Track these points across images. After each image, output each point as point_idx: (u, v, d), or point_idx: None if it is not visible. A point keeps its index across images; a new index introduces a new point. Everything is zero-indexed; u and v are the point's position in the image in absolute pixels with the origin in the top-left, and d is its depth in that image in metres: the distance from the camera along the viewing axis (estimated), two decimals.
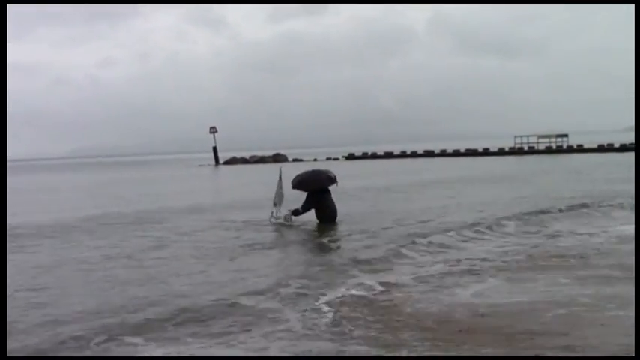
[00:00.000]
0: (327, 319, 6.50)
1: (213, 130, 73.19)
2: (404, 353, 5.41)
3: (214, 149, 73.51)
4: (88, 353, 5.83)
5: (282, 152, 78.44)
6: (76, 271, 9.61)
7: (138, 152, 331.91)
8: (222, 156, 74.09)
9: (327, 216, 15.14)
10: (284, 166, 20.04)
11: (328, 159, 70.20)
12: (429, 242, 11.37)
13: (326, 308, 6.93)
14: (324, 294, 7.57)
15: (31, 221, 16.46)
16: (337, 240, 12.66)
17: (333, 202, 15.34)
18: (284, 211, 15.52)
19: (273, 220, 15.49)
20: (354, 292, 7.67)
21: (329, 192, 15.37)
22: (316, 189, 15.25)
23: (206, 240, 12.80)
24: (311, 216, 15.21)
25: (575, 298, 7.02)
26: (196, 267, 9.71)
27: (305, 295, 7.56)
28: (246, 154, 78.88)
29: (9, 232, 13.26)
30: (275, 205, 15.84)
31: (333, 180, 15.32)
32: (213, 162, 73.06)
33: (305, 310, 6.87)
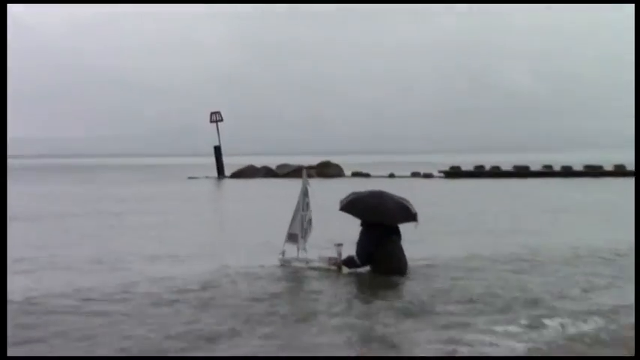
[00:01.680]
0: None
1: (216, 118, 47.38)
2: None
3: (217, 150, 46.54)
4: None
5: (333, 160, 49.63)
6: None
7: (100, 151, 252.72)
8: (229, 162, 47.55)
9: (390, 268, 10.78)
10: (340, 181, 14.73)
11: (415, 175, 44.93)
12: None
13: None
14: None
15: None
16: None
17: (401, 249, 11.06)
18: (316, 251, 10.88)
19: (296, 263, 11.06)
20: None
21: (398, 233, 11.06)
22: (378, 222, 10.74)
23: None
24: None
25: None
26: None
27: None
28: (270, 161, 52.22)
29: None
30: (291, 239, 11.22)
31: (411, 215, 10.96)
32: (214, 172, 47.10)
33: None
